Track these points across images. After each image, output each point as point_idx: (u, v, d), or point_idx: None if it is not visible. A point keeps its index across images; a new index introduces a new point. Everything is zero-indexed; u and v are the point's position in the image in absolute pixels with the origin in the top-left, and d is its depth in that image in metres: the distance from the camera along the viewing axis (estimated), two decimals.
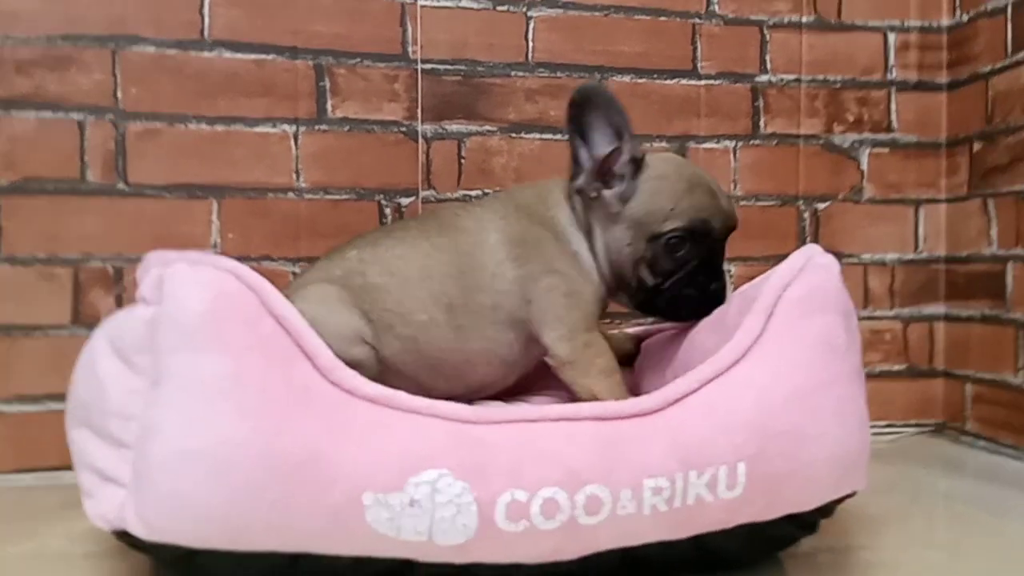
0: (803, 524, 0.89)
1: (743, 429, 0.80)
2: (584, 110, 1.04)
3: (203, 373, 0.73)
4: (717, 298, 1.07)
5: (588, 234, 1.10)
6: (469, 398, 1.10)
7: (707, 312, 1.07)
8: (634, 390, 1.29)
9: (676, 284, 1.06)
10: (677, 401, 0.82)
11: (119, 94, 1.36)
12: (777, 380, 0.83)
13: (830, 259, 0.92)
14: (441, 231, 1.12)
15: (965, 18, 1.60)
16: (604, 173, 1.06)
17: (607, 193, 1.07)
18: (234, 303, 0.77)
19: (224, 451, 0.72)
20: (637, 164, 1.06)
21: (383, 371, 1.05)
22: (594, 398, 1.01)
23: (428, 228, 1.14)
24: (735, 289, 1.09)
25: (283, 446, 0.73)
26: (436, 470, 0.74)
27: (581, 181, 1.07)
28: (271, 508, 0.73)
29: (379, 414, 0.77)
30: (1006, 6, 1.49)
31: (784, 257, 1.57)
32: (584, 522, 0.76)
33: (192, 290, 0.76)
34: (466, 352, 1.09)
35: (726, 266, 1.11)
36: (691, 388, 0.83)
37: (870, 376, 1.57)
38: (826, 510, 0.89)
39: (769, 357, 0.85)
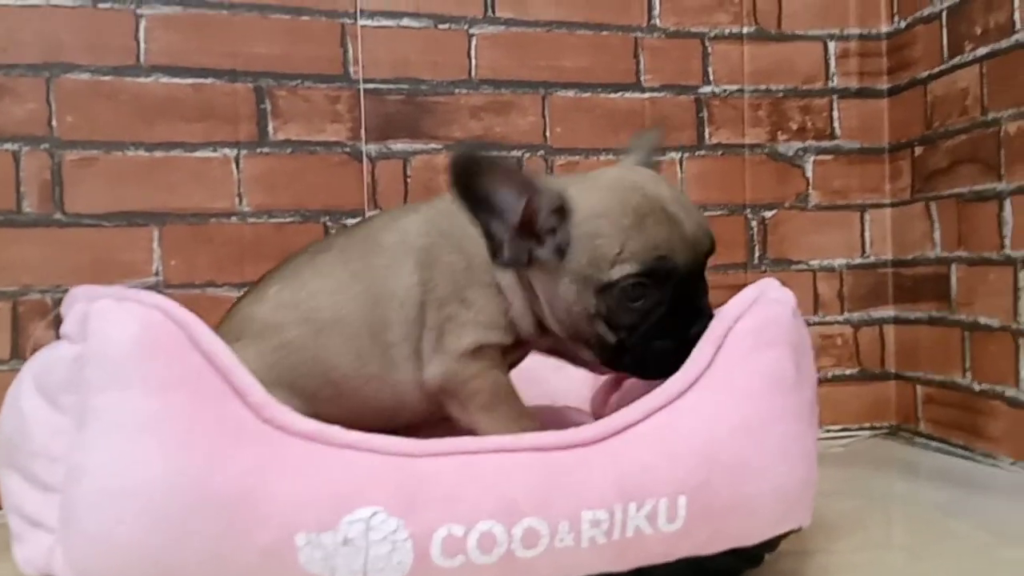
0: (747, 558, 0.88)
1: (686, 461, 0.79)
2: (471, 182, 0.88)
3: (129, 411, 0.72)
4: (696, 339, 0.89)
5: (526, 286, 0.96)
6: (419, 427, 1.06)
7: (681, 360, 0.89)
8: (591, 405, 1.28)
9: (643, 338, 0.88)
10: (621, 431, 0.81)
11: (54, 122, 1.34)
12: (723, 412, 0.82)
13: (785, 293, 0.91)
14: (361, 252, 1.04)
15: (903, 25, 1.62)
16: (530, 235, 0.90)
17: (541, 253, 0.91)
18: (160, 339, 0.75)
19: (152, 490, 0.70)
20: (560, 210, 0.90)
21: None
22: None
23: (350, 248, 1.05)
24: None
25: (213, 485, 0.71)
26: (370, 507, 0.72)
27: (507, 256, 0.90)
28: (202, 548, 0.71)
29: (313, 450, 0.75)
30: (941, 12, 1.51)
31: (734, 266, 1.61)
32: (522, 555, 0.75)
33: (117, 326, 0.74)
34: (385, 400, 1.00)
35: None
36: (635, 418, 0.82)
37: (823, 381, 1.58)
38: (770, 544, 0.88)
39: (716, 388, 0.83)
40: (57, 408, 0.76)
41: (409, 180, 1.48)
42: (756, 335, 0.86)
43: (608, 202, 0.89)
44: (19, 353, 1.32)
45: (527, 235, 0.90)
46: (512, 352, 0.99)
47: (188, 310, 0.79)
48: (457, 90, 1.51)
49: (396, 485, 0.74)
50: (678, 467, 0.79)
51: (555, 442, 0.79)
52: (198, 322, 0.77)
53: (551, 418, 1.13)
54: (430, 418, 1.04)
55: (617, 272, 0.86)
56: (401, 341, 0.98)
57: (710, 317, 0.88)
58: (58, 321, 1.30)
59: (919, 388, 1.60)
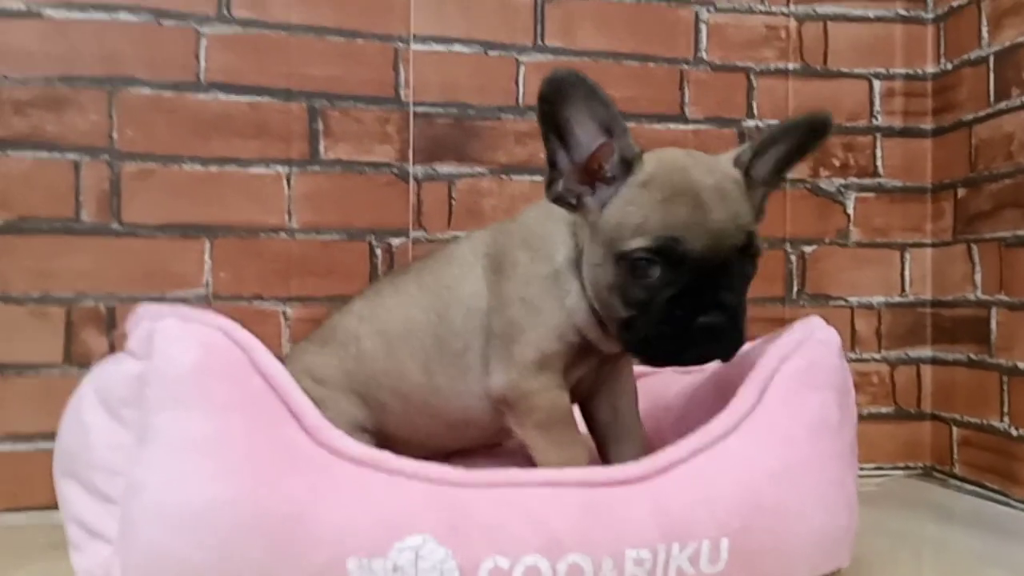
0: None
1: (728, 504, 0.80)
2: (558, 104, 0.86)
3: (189, 431, 0.74)
4: (709, 337, 0.86)
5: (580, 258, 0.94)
6: (486, 444, 1.09)
7: (697, 356, 0.89)
8: None
9: (651, 317, 0.86)
10: (665, 470, 0.82)
11: (115, 135, 1.38)
12: (766, 456, 0.83)
13: (831, 334, 0.92)
14: (434, 267, 1.06)
15: (949, 66, 1.63)
16: (591, 176, 0.90)
17: (589, 200, 0.90)
18: (222, 361, 0.77)
19: (208, 509, 0.72)
20: (628, 165, 0.88)
21: (392, 443, 1.01)
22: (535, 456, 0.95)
23: (424, 265, 1.08)
24: None
25: (267, 506, 0.73)
26: (420, 535, 0.74)
27: (559, 187, 0.90)
28: (255, 567, 0.73)
29: (364, 475, 0.77)
30: (988, 56, 1.52)
31: (771, 300, 1.62)
32: None
33: (181, 347, 0.77)
34: (453, 413, 1.01)
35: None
36: (680, 457, 0.83)
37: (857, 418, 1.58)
38: None
39: (760, 431, 0.84)
40: (119, 422, 0.78)
41: (454, 202, 1.51)
42: (802, 378, 0.86)
43: (656, 174, 0.88)
44: (72, 358, 1.35)
45: (586, 177, 0.89)
46: (577, 365, 0.97)
47: (240, 324, 0.82)
48: (504, 115, 1.53)
49: (445, 514, 0.76)
50: (721, 510, 0.80)
51: (601, 478, 0.81)
52: (258, 344, 0.80)
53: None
54: (496, 435, 1.05)
55: (633, 243, 0.85)
56: (467, 351, 0.99)
57: (734, 311, 0.86)
58: (111, 328, 1.35)
59: (955, 430, 1.59)
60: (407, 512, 0.75)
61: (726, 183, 0.88)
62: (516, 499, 0.78)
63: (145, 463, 0.74)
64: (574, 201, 0.90)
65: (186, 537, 0.72)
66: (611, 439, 1.06)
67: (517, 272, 0.96)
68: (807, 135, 0.94)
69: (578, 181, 0.90)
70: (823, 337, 0.91)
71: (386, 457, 0.79)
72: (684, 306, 0.85)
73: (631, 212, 0.87)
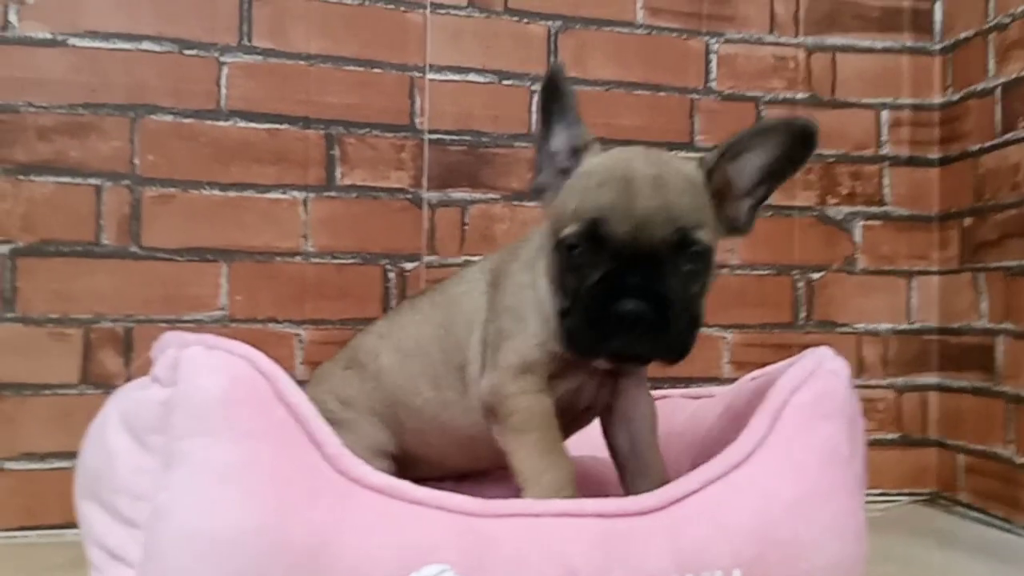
0: None
1: (742, 535, 0.81)
2: (554, 97, 0.90)
3: (214, 459, 0.75)
4: (629, 326, 0.82)
5: None
6: (499, 464, 1.07)
7: (620, 347, 0.85)
8: None
9: (576, 306, 0.85)
10: (679, 501, 0.83)
11: (136, 160, 1.41)
12: (779, 487, 0.84)
13: (841, 364, 0.93)
14: (445, 286, 1.09)
15: (956, 97, 1.65)
16: (558, 170, 0.92)
17: (548, 195, 0.93)
18: (247, 390, 0.78)
19: (232, 537, 0.73)
20: (579, 155, 0.91)
21: (411, 464, 1.03)
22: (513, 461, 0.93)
23: (440, 286, 1.10)
24: (743, 371, 1.05)
25: (290, 534, 0.74)
26: (438, 566, 0.75)
27: (540, 178, 0.93)
28: None
29: (384, 504, 0.78)
30: (995, 87, 1.54)
31: (779, 326, 1.63)
32: None
33: (207, 375, 0.78)
34: (463, 428, 1.01)
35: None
36: (693, 488, 0.83)
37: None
38: None
39: (773, 462, 0.85)
40: (144, 448, 0.79)
41: (467, 227, 1.53)
42: (813, 408, 0.87)
43: (598, 163, 0.89)
44: (88, 378, 1.38)
45: (559, 172, 0.92)
46: (566, 377, 0.95)
47: (256, 348, 0.83)
48: (517, 143, 1.56)
49: (463, 545, 0.76)
50: (734, 541, 0.80)
51: (616, 509, 0.81)
52: (282, 373, 0.81)
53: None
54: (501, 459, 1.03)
55: (567, 229, 0.86)
56: (468, 364, 1.00)
57: (659, 303, 0.82)
58: (128, 349, 1.37)
59: (960, 457, 1.61)
60: (426, 542, 0.76)
61: (671, 176, 0.86)
62: (533, 530, 0.79)
63: (171, 489, 0.75)
64: (544, 193, 0.93)
65: (211, 563, 0.72)
66: (628, 471, 1.04)
67: (508, 284, 0.97)
68: (790, 144, 0.90)
69: (554, 175, 0.92)
70: (833, 367, 0.92)
71: (405, 486, 0.80)
72: (604, 291, 0.83)
73: (569, 199, 0.88)
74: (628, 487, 1.04)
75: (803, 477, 0.85)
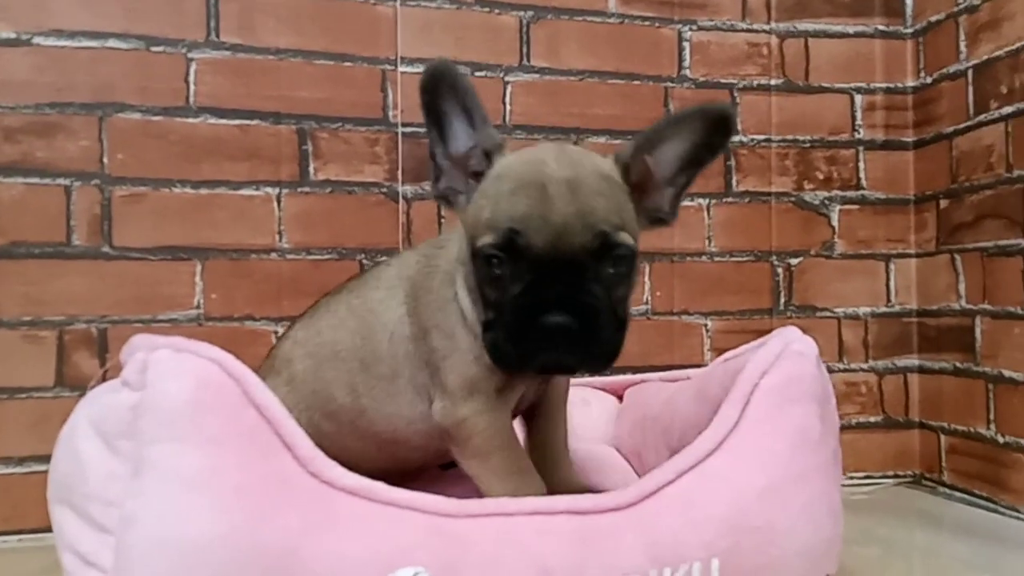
0: None
1: (716, 525, 0.80)
2: (435, 96, 0.86)
3: (183, 465, 0.74)
4: (555, 339, 0.80)
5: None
6: (427, 464, 1.07)
7: (547, 360, 0.83)
8: (614, 441, 1.30)
9: (500, 319, 0.83)
10: (652, 494, 0.82)
11: (105, 159, 1.39)
12: (752, 474, 0.83)
13: (808, 344, 0.92)
14: (361, 289, 1.04)
15: (929, 80, 1.66)
16: (467, 174, 0.89)
17: (461, 198, 0.89)
18: (216, 394, 0.77)
19: (202, 544, 0.72)
20: (490, 157, 0.87)
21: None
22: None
23: (356, 286, 1.06)
24: (715, 353, 1.04)
25: (261, 540, 0.73)
26: (412, 568, 0.74)
27: (442, 184, 0.89)
28: None
29: (357, 506, 0.77)
30: (967, 69, 1.54)
31: (758, 312, 1.63)
32: None
33: (174, 380, 0.76)
34: (383, 435, 0.98)
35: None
36: (667, 480, 0.83)
37: (846, 428, 1.60)
38: None
39: (745, 449, 0.85)
40: (114, 453, 0.78)
41: (443, 221, 1.53)
42: (782, 392, 0.87)
43: (510, 166, 0.86)
44: (64, 381, 1.36)
45: (465, 175, 0.88)
46: (513, 386, 0.93)
47: (232, 349, 0.82)
48: None
49: (437, 546, 0.76)
50: (710, 531, 0.80)
51: (589, 506, 0.81)
52: (251, 375, 0.79)
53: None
54: (434, 456, 1.02)
55: (483, 239, 0.83)
56: (397, 377, 0.96)
57: (585, 312, 0.80)
58: (103, 350, 1.35)
59: (943, 438, 1.61)
60: (400, 544, 0.75)
61: (586, 177, 0.84)
62: (507, 529, 0.78)
63: (139, 496, 0.74)
64: (452, 199, 0.90)
65: (181, 571, 0.71)
66: (542, 460, 1.03)
67: (429, 300, 0.94)
68: (708, 131, 0.89)
69: (458, 178, 0.89)
70: (800, 348, 0.91)
71: (378, 487, 0.79)
72: (527, 305, 0.80)
73: (483, 206, 0.84)
74: (546, 473, 1.02)
75: (774, 463, 0.85)
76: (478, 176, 0.88)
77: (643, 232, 0.91)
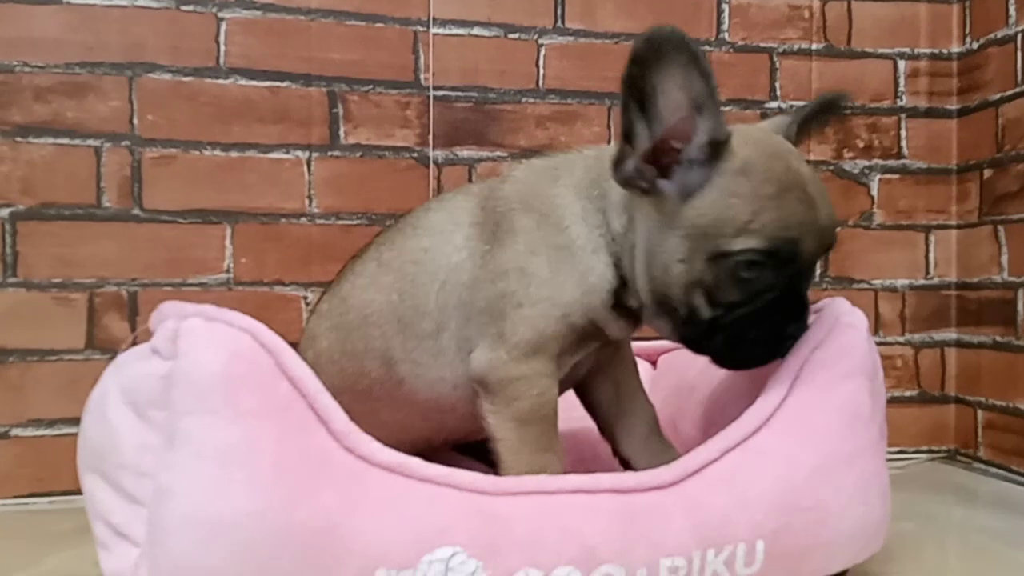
0: None
1: (764, 505, 0.78)
2: (651, 68, 0.73)
3: (217, 439, 0.72)
4: (790, 342, 0.84)
5: (621, 233, 0.84)
6: (469, 439, 1.02)
7: (772, 359, 0.85)
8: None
9: (741, 322, 0.80)
10: (697, 472, 0.80)
11: (135, 121, 1.38)
12: (801, 453, 0.81)
13: (858, 317, 0.89)
14: (395, 240, 0.96)
15: (975, 46, 1.61)
16: (664, 156, 0.79)
17: (665, 185, 0.79)
18: (249, 365, 0.74)
19: (238, 520, 0.70)
20: (716, 149, 0.78)
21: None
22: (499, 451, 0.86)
23: (387, 239, 0.98)
24: None
25: (298, 517, 0.71)
26: (450, 547, 0.72)
27: (629, 167, 0.79)
28: None
29: (394, 483, 0.75)
30: (1016, 34, 1.49)
31: None
32: None
33: (206, 350, 0.74)
34: (421, 405, 0.93)
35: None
36: (712, 457, 0.80)
37: None
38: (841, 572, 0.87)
39: (793, 426, 0.82)
40: (146, 422, 0.76)
41: None
42: (832, 366, 0.84)
43: (756, 162, 0.78)
44: (94, 343, 1.36)
45: (663, 156, 0.79)
46: (573, 352, 0.88)
47: (263, 310, 0.78)
48: (524, 99, 1.52)
49: (476, 525, 0.73)
50: (756, 512, 0.78)
51: (633, 484, 0.78)
52: (285, 347, 0.77)
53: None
54: (472, 433, 0.95)
55: (741, 243, 0.76)
56: (440, 332, 0.89)
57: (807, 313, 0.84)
58: (133, 313, 1.35)
59: (980, 413, 1.58)
60: (438, 523, 0.73)
61: (814, 172, 0.81)
62: (548, 508, 0.76)
63: (173, 468, 0.72)
64: (646, 185, 0.80)
65: (215, 547, 0.70)
66: (616, 418, 0.99)
67: (518, 240, 0.85)
68: (824, 113, 0.91)
69: (650, 161, 0.79)
70: (851, 320, 0.88)
71: (414, 463, 0.76)
72: (782, 311, 0.81)
73: (735, 206, 0.76)
74: (619, 435, 0.99)
75: (825, 440, 0.82)
76: (689, 165, 0.79)
77: None
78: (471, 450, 1.07)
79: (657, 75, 0.74)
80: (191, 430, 0.72)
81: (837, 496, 0.80)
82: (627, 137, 0.78)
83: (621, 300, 0.86)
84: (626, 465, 0.99)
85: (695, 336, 0.83)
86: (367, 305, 0.93)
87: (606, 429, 1.00)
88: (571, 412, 1.02)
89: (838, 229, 0.83)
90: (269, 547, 0.70)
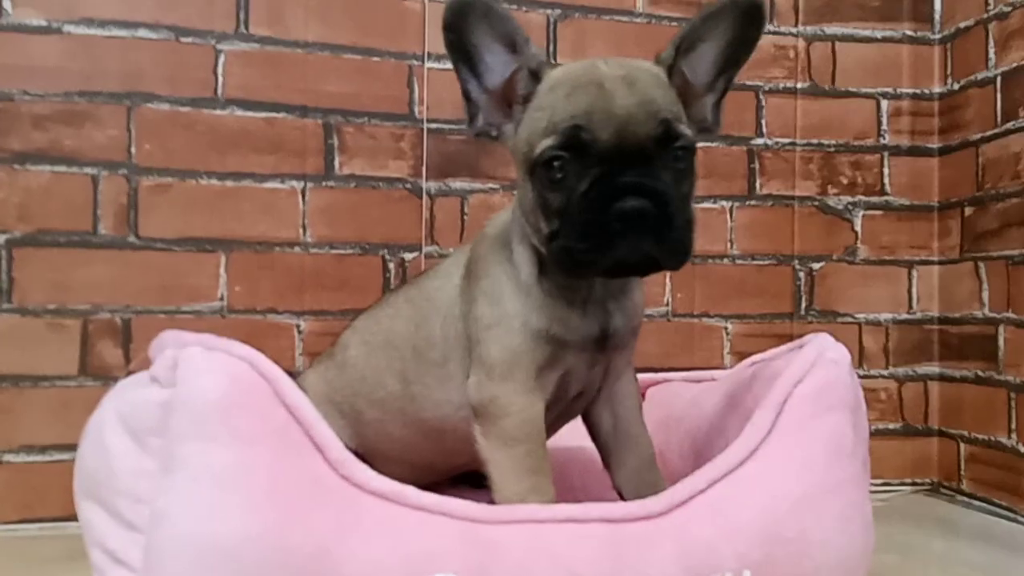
0: None
1: (749, 536, 0.79)
2: (463, 31, 0.83)
3: (214, 464, 0.73)
4: (632, 225, 0.77)
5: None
6: (472, 460, 1.04)
7: (626, 251, 0.79)
8: None
9: (568, 221, 0.80)
10: (684, 503, 0.81)
11: (133, 149, 1.39)
12: (785, 484, 0.82)
13: (842, 352, 0.91)
14: (421, 281, 1.05)
15: (956, 86, 1.65)
16: (509, 102, 0.87)
17: (507, 128, 0.88)
18: (248, 393, 0.76)
19: (232, 544, 0.71)
20: (537, 79, 0.85)
21: (372, 460, 0.96)
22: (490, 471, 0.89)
23: (417, 279, 1.08)
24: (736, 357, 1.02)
25: (292, 541, 0.72)
26: (444, 574, 0.73)
27: (479, 121, 0.88)
28: None
29: (388, 510, 0.76)
30: (995, 76, 1.53)
31: (779, 316, 1.63)
32: None
33: (206, 377, 0.75)
34: (429, 422, 0.98)
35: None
36: (698, 488, 0.82)
37: None
38: None
39: (778, 458, 0.84)
40: (144, 449, 0.77)
41: (466, 217, 1.53)
42: (816, 400, 0.86)
43: (561, 75, 0.84)
44: (87, 370, 1.36)
45: (505, 105, 0.87)
46: (552, 366, 0.90)
47: (256, 339, 0.80)
48: None
49: (468, 552, 0.75)
50: (742, 542, 0.79)
51: (622, 514, 0.79)
52: (282, 375, 0.79)
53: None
54: (473, 459, 0.97)
55: (539, 146, 0.81)
56: (447, 361, 0.96)
57: (659, 197, 0.78)
58: (127, 340, 1.36)
59: (963, 446, 1.60)
60: (431, 550, 0.74)
61: (639, 74, 0.83)
62: (539, 536, 0.77)
63: (170, 494, 0.73)
64: (495, 133, 0.89)
65: (211, 571, 0.70)
66: (612, 449, 1.01)
67: (478, 267, 0.93)
68: (740, 23, 0.87)
69: (498, 110, 0.87)
70: (834, 356, 0.90)
71: (409, 491, 0.78)
72: (600, 196, 0.78)
73: (538, 117, 0.82)
74: (613, 466, 1.01)
75: (809, 472, 0.84)
76: (525, 99, 0.86)
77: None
78: (468, 480, 1.08)
79: (468, 34, 0.83)
80: (188, 455, 0.73)
81: (820, 527, 0.82)
82: (466, 96, 0.87)
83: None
84: (622, 496, 1.00)
85: (550, 258, 0.84)
86: (392, 330, 1.02)
87: (604, 459, 1.03)
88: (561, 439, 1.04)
89: (660, 117, 0.80)
90: (264, 570, 0.71)
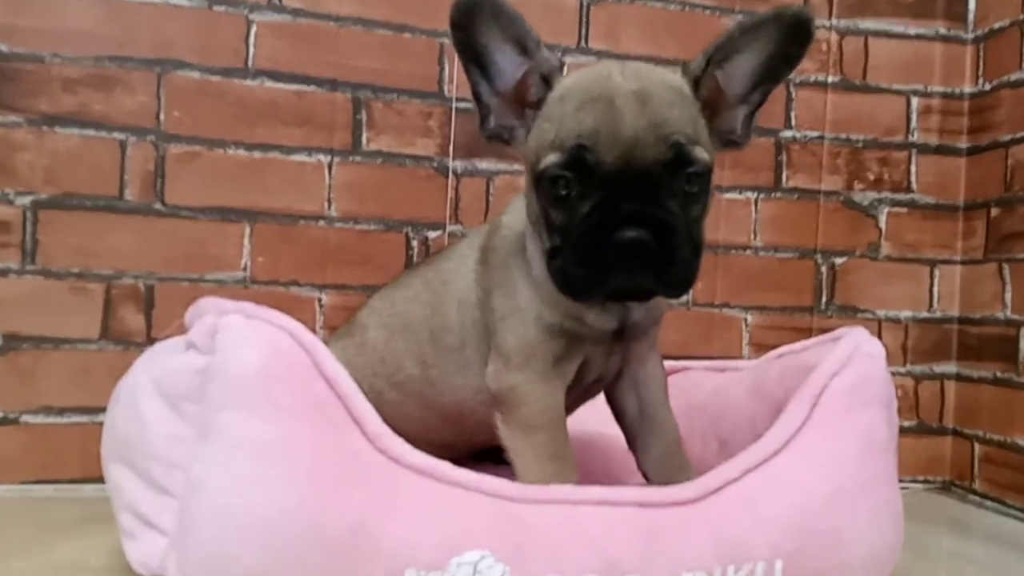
0: None
1: (783, 526, 0.80)
2: (471, 30, 0.80)
3: (253, 435, 0.73)
4: (631, 256, 0.76)
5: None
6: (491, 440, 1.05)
7: (623, 282, 0.78)
8: None
9: (572, 242, 0.78)
10: (718, 490, 0.81)
11: (162, 116, 1.39)
12: (819, 477, 0.82)
13: (877, 347, 0.91)
14: (437, 263, 1.04)
15: (988, 87, 1.64)
16: (522, 104, 0.84)
17: (519, 132, 0.85)
18: (287, 364, 0.75)
19: (271, 516, 0.71)
20: (549, 84, 0.83)
21: None
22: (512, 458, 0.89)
23: (433, 259, 1.07)
24: (756, 351, 1.01)
25: (329, 516, 0.72)
26: (479, 551, 0.73)
27: (491, 123, 0.85)
28: None
29: (424, 485, 0.76)
30: None
31: (799, 309, 1.62)
32: None
33: (246, 346, 0.75)
34: (446, 405, 0.98)
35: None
36: (732, 477, 0.82)
37: None
38: None
39: (812, 451, 0.84)
40: (179, 415, 0.77)
41: (491, 198, 1.52)
42: (851, 395, 0.86)
43: (573, 85, 0.81)
44: (108, 334, 1.36)
45: (518, 107, 0.84)
46: (571, 355, 0.90)
47: (283, 312, 0.79)
48: None
49: (504, 530, 0.75)
50: (775, 532, 0.79)
51: (656, 499, 0.80)
52: (322, 346, 0.78)
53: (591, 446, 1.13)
54: (489, 439, 0.98)
55: (545, 160, 0.78)
56: (464, 346, 0.95)
57: (661, 228, 0.75)
58: (149, 307, 1.36)
59: (977, 446, 1.60)
60: (467, 527, 0.74)
61: (656, 89, 0.79)
62: (573, 518, 0.77)
63: (207, 461, 0.73)
64: (507, 136, 0.86)
65: (247, 542, 0.71)
66: (638, 433, 1.00)
67: (494, 258, 0.91)
68: (784, 38, 0.83)
69: (510, 113, 0.84)
70: (870, 350, 0.90)
71: (444, 466, 0.78)
72: (600, 222, 0.76)
73: (546, 129, 0.80)
74: (639, 449, 1.01)
75: (843, 467, 0.84)
76: (537, 105, 0.83)
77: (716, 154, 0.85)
78: (490, 456, 1.08)
79: (477, 34, 0.80)
80: (226, 425, 0.73)
81: (853, 522, 0.82)
82: (477, 98, 0.84)
83: None
84: (648, 479, 1.00)
85: (552, 272, 0.82)
86: (409, 314, 1.01)
87: (630, 443, 1.03)
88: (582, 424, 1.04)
89: (671, 141, 0.77)
90: (300, 544, 0.71)
